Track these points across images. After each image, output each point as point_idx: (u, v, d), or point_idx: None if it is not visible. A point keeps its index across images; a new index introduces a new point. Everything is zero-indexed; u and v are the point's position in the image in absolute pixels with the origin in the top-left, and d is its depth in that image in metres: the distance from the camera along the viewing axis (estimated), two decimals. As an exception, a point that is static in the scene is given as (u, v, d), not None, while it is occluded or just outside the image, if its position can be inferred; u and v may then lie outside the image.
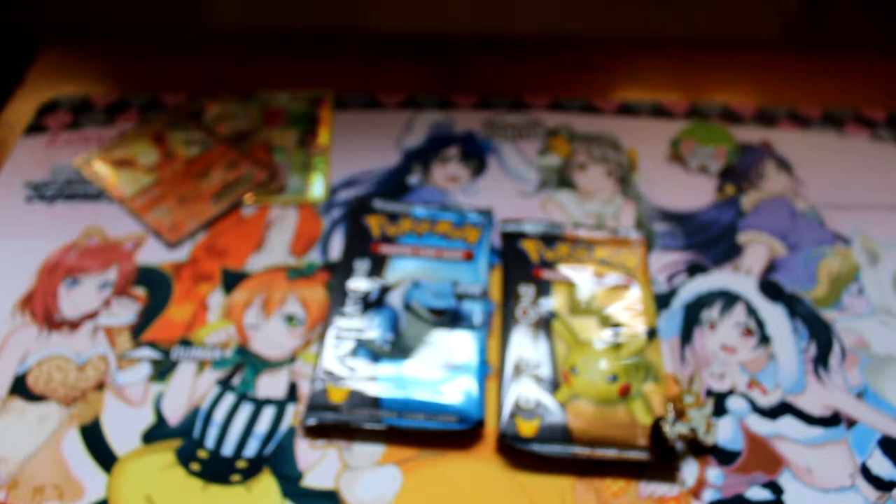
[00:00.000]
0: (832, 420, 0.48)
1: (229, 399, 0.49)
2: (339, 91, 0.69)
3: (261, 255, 0.56)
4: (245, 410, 0.48)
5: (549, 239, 0.56)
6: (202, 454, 0.46)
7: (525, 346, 0.50)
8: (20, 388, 0.49)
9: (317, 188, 0.61)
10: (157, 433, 0.47)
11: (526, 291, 0.53)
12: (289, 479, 0.45)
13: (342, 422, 0.47)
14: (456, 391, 0.48)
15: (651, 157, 0.64)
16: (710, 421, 0.46)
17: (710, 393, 0.49)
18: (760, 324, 0.53)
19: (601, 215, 0.60)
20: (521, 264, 0.55)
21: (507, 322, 0.52)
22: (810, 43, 0.78)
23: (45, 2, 0.76)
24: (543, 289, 0.53)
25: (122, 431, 0.47)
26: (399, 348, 0.50)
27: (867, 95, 0.70)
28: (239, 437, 0.47)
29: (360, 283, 0.53)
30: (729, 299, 0.54)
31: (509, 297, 0.53)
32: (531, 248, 0.55)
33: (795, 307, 0.54)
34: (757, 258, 0.57)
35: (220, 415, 0.48)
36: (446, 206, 0.59)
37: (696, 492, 0.45)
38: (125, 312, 0.53)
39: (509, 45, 0.74)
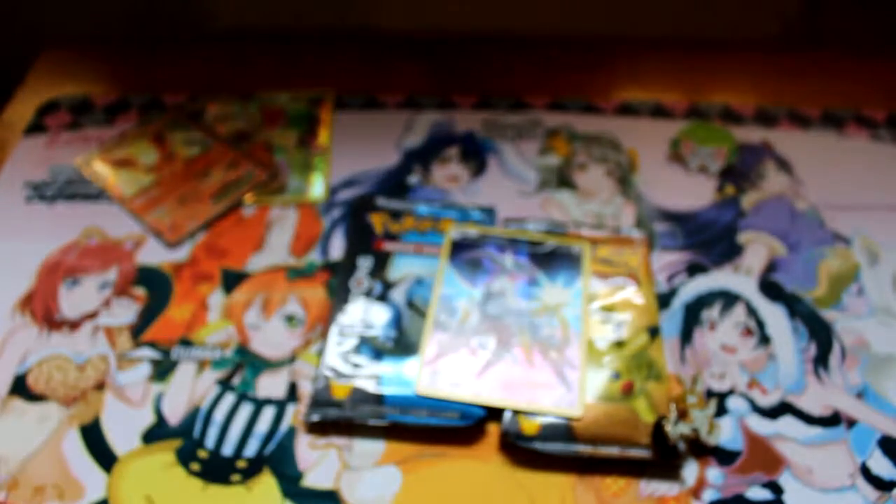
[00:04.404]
0: (832, 420, 0.48)
1: (229, 399, 0.49)
2: (339, 91, 0.69)
3: (261, 255, 0.56)
4: (245, 410, 0.48)
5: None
6: (202, 454, 0.46)
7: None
8: (20, 388, 0.49)
9: (317, 188, 0.61)
10: (157, 433, 0.47)
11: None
12: (289, 478, 0.45)
13: (345, 418, 0.47)
14: (456, 391, 0.48)
15: (651, 157, 0.64)
16: (713, 422, 0.46)
17: (710, 393, 0.49)
18: (760, 324, 0.53)
19: (601, 215, 0.60)
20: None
21: (508, 322, 0.52)
22: (810, 43, 0.78)
23: (45, 3, 0.76)
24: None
25: (122, 431, 0.47)
26: (402, 345, 0.50)
27: (867, 95, 0.70)
28: (239, 437, 0.47)
29: (363, 280, 0.53)
30: (729, 299, 0.54)
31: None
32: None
33: (795, 307, 0.54)
34: (757, 258, 0.57)
35: (220, 415, 0.48)
36: (449, 203, 0.59)
37: (696, 491, 0.45)
38: (125, 312, 0.53)
39: (509, 45, 0.74)
